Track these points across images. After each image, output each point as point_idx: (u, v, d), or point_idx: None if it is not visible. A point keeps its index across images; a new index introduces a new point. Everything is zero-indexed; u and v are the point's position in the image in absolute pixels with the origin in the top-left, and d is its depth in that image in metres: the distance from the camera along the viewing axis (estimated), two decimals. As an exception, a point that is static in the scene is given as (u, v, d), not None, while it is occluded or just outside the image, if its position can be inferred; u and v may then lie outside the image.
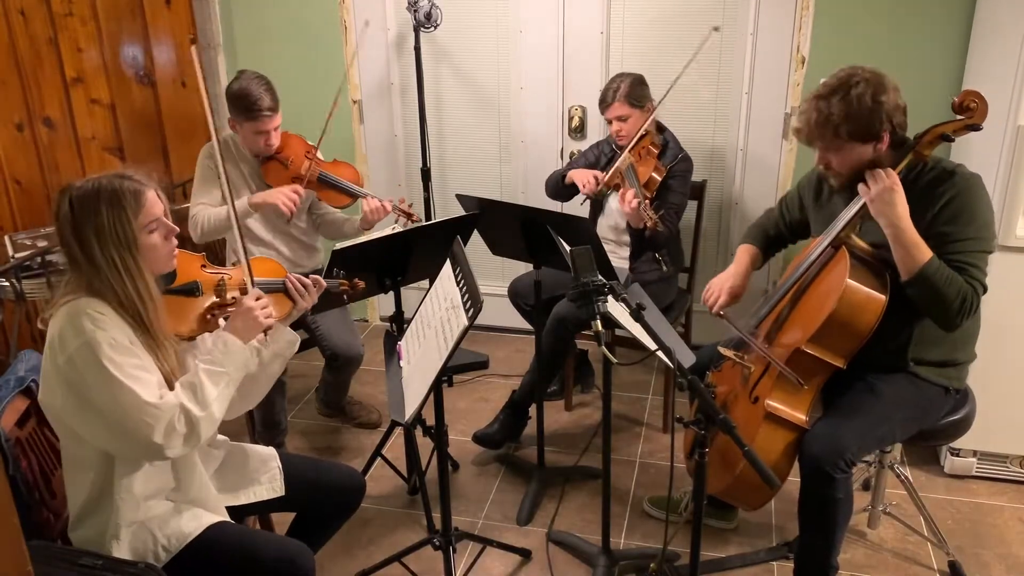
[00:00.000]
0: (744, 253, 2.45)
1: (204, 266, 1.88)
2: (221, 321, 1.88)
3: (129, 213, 1.63)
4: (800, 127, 2.07)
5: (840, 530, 2.08)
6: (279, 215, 2.79)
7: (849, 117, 1.96)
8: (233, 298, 1.85)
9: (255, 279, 1.90)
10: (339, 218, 3.02)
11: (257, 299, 1.82)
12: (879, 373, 2.11)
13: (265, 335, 1.84)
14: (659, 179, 2.88)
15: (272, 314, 1.84)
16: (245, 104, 2.70)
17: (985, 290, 1.97)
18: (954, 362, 2.14)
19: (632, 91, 2.89)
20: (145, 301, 1.65)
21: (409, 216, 2.82)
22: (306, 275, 2.17)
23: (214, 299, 1.83)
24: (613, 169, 2.93)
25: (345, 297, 2.19)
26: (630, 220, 2.81)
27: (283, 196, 2.72)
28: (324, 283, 2.03)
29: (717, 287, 2.36)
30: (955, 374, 2.15)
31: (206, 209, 2.75)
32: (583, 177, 2.98)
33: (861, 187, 1.99)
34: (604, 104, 2.94)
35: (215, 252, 3.07)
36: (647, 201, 2.72)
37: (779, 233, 2.47)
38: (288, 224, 2.92)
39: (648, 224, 2.67)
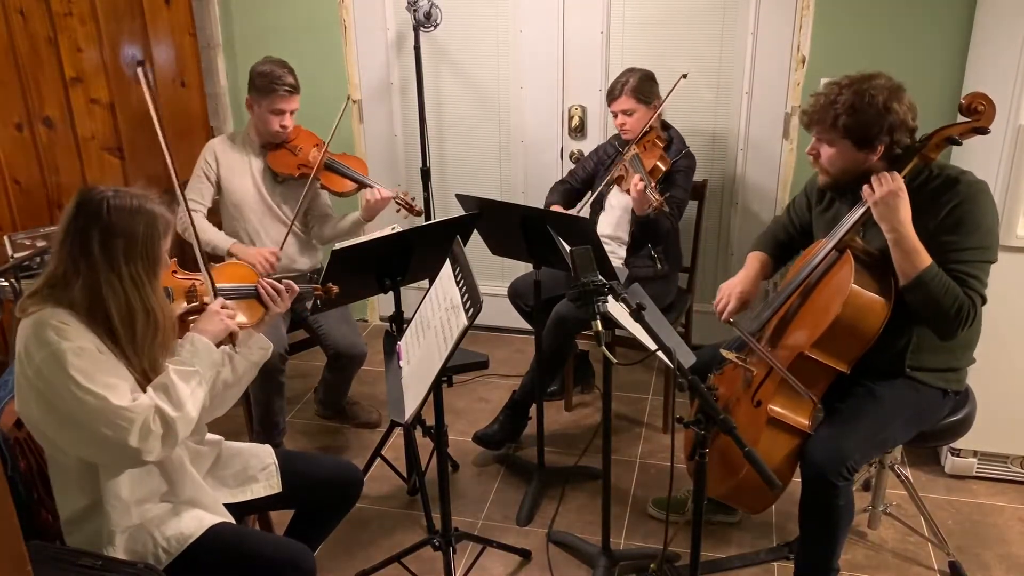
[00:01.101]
0: (754, 260, 2.43)
1: (175, 272, 1.89)
2: (193, 322, 1.89)
3: (162, 239, 1.67)
4: (807, 108, 2.06)
5: (841, 536, 2.08)
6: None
7: (853, 110, 1.95)
8: (205, 303, 1.87)
9: (227, 285, 1.91)
10: (333, 216, 3.05)
11: (222, 307, 1.84)
12: (878, 378, 2.10)
13: (233, 346, 1.84)
14: (663, 168, 2.91)
15: (235, 316, 1.86)
16: (268, 79, 2.78)
17: (984, 301, 1.96)
18: (953, 368, 2.14)
19: (640, 86, 2.92)
20: (151, 318, 1.65)
21: (410, 208, 2.83)
22: (304, 274, 2.19)
23: (184, 304, 1.84)
24: (618, 165, 2.95)
25: (318, 302, 2.20)
26: (635, 206, 2.81)
27: (261, 257, 2.78)
28: (297, 288, 2.04)
29: (727, 293, 2.32)
30: (954, 378, 2.15)
31: (201, 220, 2.82)
32: None
33: (865, 189, 1.97)
34: (612, 97, 2.97)
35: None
36: (653, 184, 2.73)
37: (789, 237, 2.45)
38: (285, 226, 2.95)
39: (654, 205, 2.67)
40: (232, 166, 2.90)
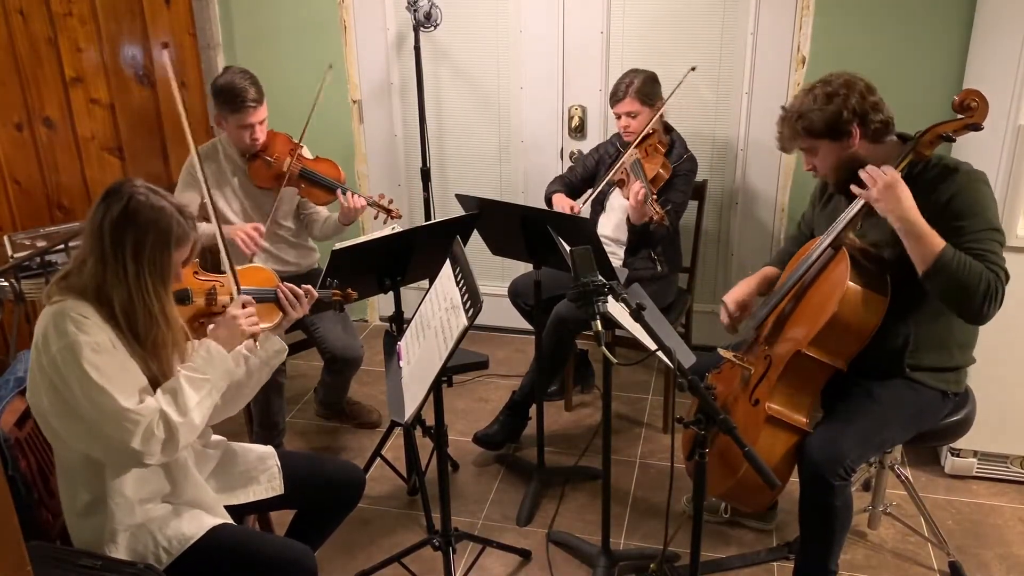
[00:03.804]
0: (761, 271, 2.44)
1: (196, 273, 1.89)
2: (211, 328, 1.88)
3: (172, 250, 1.66)
4: (776, 138, 2.14)
5: (838, 536, 2.08)
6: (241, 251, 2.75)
7: (804, 114, 2.03)
8: (223, 306, 1.86)
9: (246, 288, 1.91)
10: (322, 215, 3.03)
11: (244, 306, 1.83)
12: (877, 378, 2.10)
13: (255, 341, 1.84)
14: (666, 176, 2.90)
15: (257, 322, 1.85)
16: (229, 97, 2.70)
17: (1007, 277, 1.93)
18: (952, 367, 2.13)
19: (644, 88, 2.91)
20: (154, 322, 1.65)
21: (388, 212, 2.80)
22: (303, 275, 2.17)
23: (204, 306, 1.83)
24: (618, 166, 2.94)
25: (340, 306, 2.19)
26: (633, 215, 2.81)
27: (243, 233, 2.72)
28: (316, 293, 2.03)
29: (724, 302, 2.37)
30: (953, 378, 2.15)
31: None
32: (562, 204, 3.03)
33: (855, 188, 1.99)
34: (615, 99, 2.96)
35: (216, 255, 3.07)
36: (653, 196, 2.73)
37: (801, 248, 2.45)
38: (278, 229, 2.93)
39: (654, 217, 2.67)
40: (216, 179, 2.87)
